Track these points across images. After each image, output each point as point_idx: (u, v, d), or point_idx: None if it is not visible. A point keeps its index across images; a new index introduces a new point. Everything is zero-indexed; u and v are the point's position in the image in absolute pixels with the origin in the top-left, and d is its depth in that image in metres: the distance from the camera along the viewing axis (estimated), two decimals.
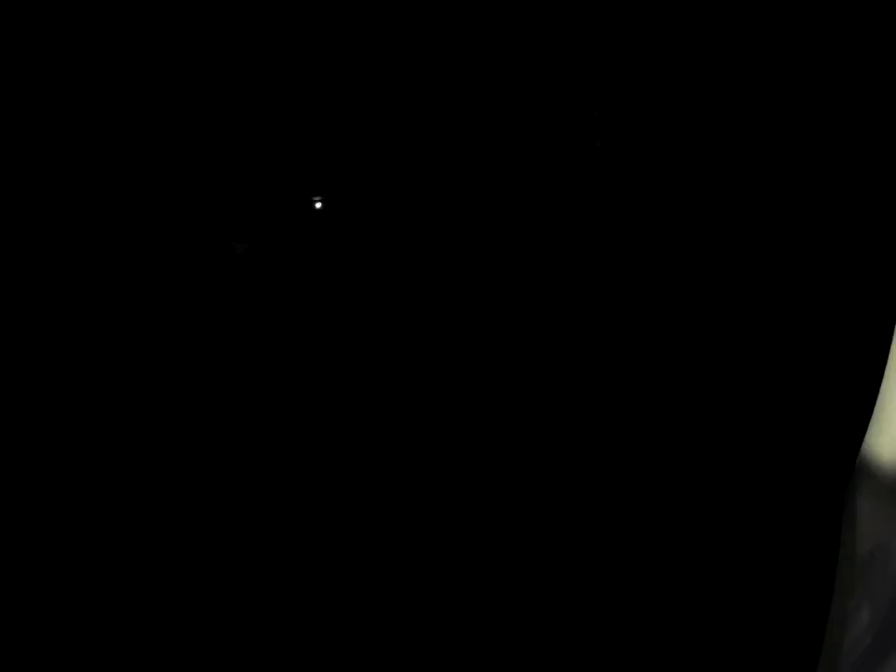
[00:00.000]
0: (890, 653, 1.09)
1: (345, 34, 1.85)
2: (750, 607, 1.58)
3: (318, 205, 1.90)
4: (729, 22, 1.74)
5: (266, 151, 1.87)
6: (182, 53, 1.70)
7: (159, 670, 1.34)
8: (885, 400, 1.28)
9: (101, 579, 1.40)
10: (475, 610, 1.52)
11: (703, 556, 1.65)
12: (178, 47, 1.74)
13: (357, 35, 1.91)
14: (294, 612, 1.43)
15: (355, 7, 1.84)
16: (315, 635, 1.42)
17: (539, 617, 1.51)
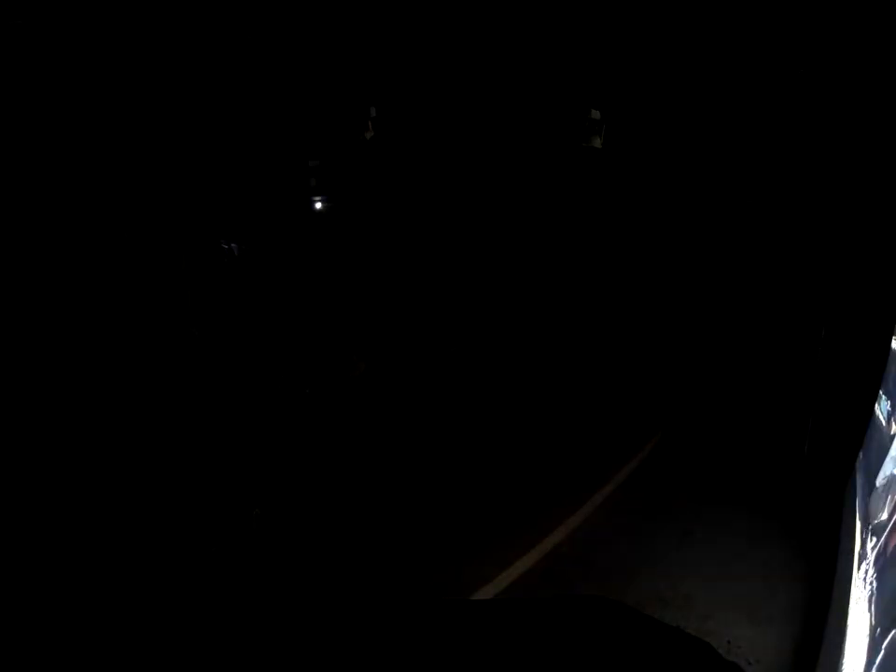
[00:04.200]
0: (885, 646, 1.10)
1: (344, 37, 1.85)
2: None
3: (318, 206, 1.93)
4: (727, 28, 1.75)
5: (265, 152, 1.90)
6: (182, 60, 1.71)
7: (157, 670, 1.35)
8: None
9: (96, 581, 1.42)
10: None
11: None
12: (178, 53, 1.75)
13: (356, 38, 1.91)
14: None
15: (354, 11, 1.84)
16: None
17: None
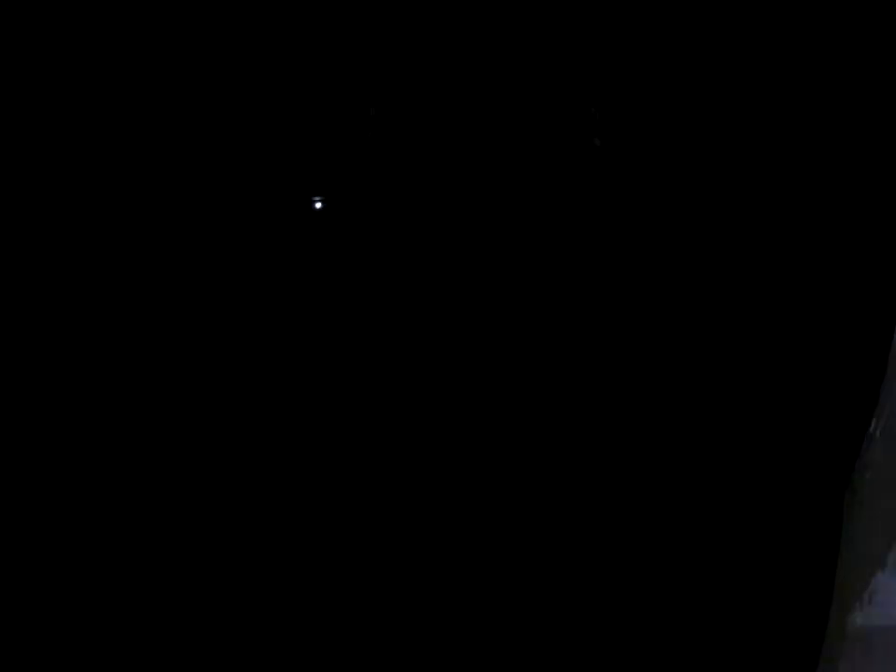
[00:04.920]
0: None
1: (345, 36, 1.86)
2: (751, 606, 1.59)
3: (318, 205, 1.93)
4: (727, 24, 1.75)
5: (266, 151, 1.90)
6: (185, 57, 1.72)
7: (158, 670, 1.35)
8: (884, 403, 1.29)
9: (100, 579, 1.42)
10: (476, 610, 1.53)
11: (705, 556, 1.66)
12: (180, 50, 1.76)
13: (357, 36, 1.91)
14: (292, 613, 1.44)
15: (355, 10, 1.84)
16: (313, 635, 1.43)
17: (540, 617, 1.51)
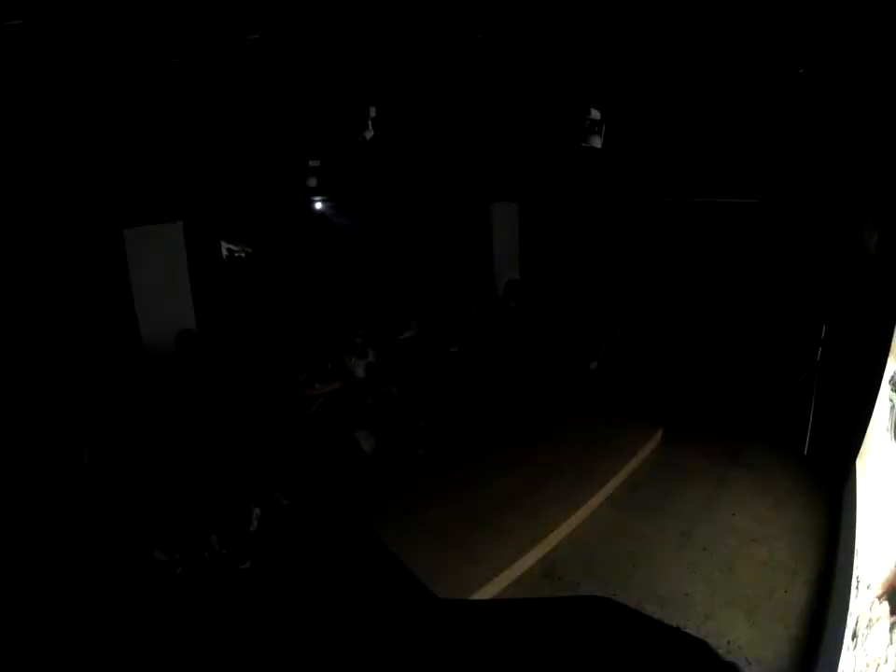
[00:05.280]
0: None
1: (344, 38, 1.84)
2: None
3: (318, 205, 1.94)
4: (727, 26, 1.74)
5: (266, 152, 1.89)
6: (183, 62, 1.70)
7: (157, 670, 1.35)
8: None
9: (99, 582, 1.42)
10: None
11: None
12: (179, 55, 1.74)
13: (356, 38, 1.90)
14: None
15: (354, 12, 1.83)
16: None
17: None
